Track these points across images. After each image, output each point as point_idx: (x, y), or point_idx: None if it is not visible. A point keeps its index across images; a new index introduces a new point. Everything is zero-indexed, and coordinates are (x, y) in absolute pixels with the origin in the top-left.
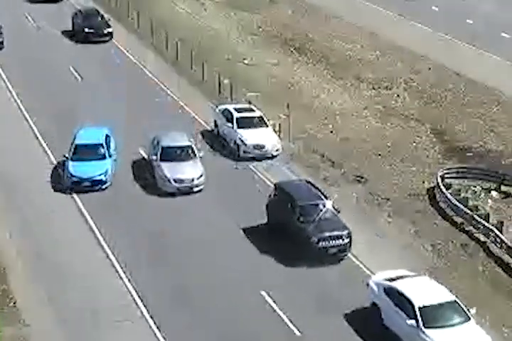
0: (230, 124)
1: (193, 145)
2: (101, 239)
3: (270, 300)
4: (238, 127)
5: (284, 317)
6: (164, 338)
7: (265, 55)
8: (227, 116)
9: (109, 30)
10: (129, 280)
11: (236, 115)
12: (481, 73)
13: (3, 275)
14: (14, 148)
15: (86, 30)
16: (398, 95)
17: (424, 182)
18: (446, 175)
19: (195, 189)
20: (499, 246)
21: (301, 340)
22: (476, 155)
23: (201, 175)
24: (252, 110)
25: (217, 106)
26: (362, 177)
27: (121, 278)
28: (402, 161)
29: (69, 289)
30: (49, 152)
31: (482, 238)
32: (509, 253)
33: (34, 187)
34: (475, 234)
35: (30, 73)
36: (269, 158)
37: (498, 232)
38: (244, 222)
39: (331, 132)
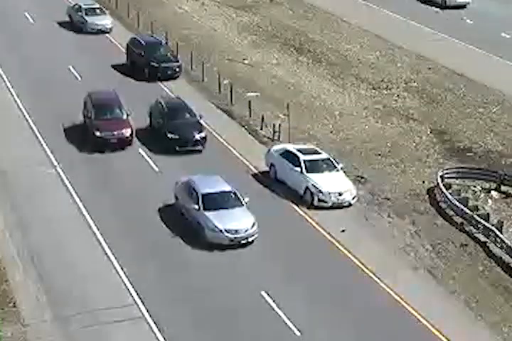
0: (296, 168)
1: (236, 190)
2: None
3: (270, 300)
4: (307, 172)
5: (284, 317)
6: (165, 338)
7: (265, 55)
8: (291, 158)
9: (202, 134)
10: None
11: (303, 158)
12: (481, 73)
13: (3, 275)
14: None
15: (169, 135)
16: (398, 95)
17: (424, 182)
18: (446, 175)
19: (250, 239)
20: (499, 246)
21: (301, 340)
22: (476, 155)
23: (254, 224)
24: (317, 152)
25: (271, 147)
26: (362, 177)
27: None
28: (402, 161)
29: None
30: None
31: (482, 238)
32: (509, 253)
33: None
34: (475, 234)
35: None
36: (345, 207)
37: (498, 232)
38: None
39: (331, 132)
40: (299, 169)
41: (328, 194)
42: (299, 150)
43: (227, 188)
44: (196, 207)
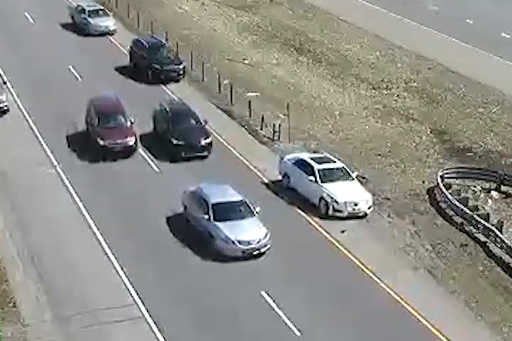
0: (311, 178)
1: (247, 200)
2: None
3: (270, 300)
4: (322, 181)
5: (284, 317)
6: (165, 338)
7: (265, 55)
8: (304, 167)
9: (208, 140)
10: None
11: (317, 167)
12: (481, 73)
13: (3, 275)
14: None
15: (174, 141)
16: (398, 95)
17: (424, 182)
18: (446, 175)
19: (262, 250)
20: (499, 246)
21: (301, 340)
22: (476, 155)
23: (266, 234)
24: (331, 160)
25: (283, 155)
26: (362, 177)
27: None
28: (402, 161)
29: None
30: None
31: (482, 238)
32: (509, 253)
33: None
34: (475, 234)
35: None
36: (361, 217)
37: (498, 232)
38: None
39: (331, 132)
40: (313, 178)
41: (344, 204)
42: (312, 159)
43: (238, 198)
44: (206, 216)
